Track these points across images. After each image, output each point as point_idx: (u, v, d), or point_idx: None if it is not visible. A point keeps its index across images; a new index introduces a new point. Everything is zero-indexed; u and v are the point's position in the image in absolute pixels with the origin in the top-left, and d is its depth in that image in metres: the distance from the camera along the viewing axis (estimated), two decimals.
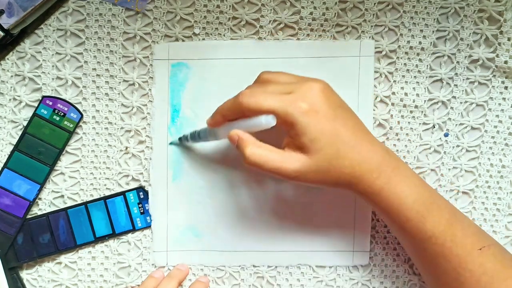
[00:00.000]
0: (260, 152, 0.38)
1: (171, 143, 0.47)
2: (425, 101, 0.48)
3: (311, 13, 0.47)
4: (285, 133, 0.40)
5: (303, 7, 0.47)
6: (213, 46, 0.47)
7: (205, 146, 0.47)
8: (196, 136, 0.45)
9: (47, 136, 0.47)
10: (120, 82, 0.47)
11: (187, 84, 0.47)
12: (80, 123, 0.48)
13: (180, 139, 0.47)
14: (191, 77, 0.47)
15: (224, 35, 0.47)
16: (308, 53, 0.47)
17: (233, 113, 0.40)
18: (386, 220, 0.42)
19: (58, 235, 0.48)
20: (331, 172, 0.39)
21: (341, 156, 0.38)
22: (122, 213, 0.48)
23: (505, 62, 0.47)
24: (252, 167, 0.39)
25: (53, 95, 0.47)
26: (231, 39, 0.47)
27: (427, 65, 0.47)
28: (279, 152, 0.39)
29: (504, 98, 0.48)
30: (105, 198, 0.48)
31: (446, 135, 0.48)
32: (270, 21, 0.47)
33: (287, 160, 0.38)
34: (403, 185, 0.40)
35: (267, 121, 0.37)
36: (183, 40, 0.47)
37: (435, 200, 0.41)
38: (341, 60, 0.47)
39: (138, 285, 0.49)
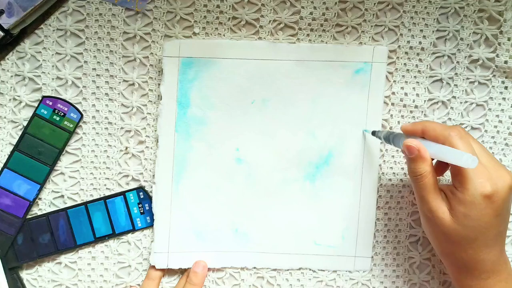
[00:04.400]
0: (429, 180, 0.39)
1: (364, 130, 0.47)
2: (425, 101, 0.48)
3: (311, 13, 0.47)
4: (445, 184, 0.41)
5: (303, 7, 0.47)
6: (224, 45, 0.46)
7: (206, 148, 0.47)
8: (391, 138, 0.43)
9: (47, 136, 0.47)
10: (120, 82, 0.47)
11: (197, 82, 0.47)
12: (80, 123, 0.48)
13: (373, 132, 0.46)
14: (201, 75, 0.46)
15: (224, 35, 0.47)
16: (321, 57, 0.46)
17: (434, 136, 0.40)
18: None
19: (58, 235, 0.48)
20: (453, 246, 0.39)
21: (472, 245, 0.39)
22: (122, 213, 0.48)
23: (505, 62, 0.47)
24: (412, 181, 0.40)
25: (53, 95, 0.47)
26: (231, 38, 0.47)
27: (427, 65, 0.47)
28: (437, 193, 0.39)
29: (504, 98, 0.48)
30: (105, 198, 0.48)
31: None
32: (270, 21, 0.47)
33: (438, 204, 0.39)
34: None
35: (472, 161, 0.36)
36: None
37: None
38: (353, 65, 0.47)
39: (139, 285, 0.49)
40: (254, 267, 0.49)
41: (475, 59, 0.47)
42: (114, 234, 0.48)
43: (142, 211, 0.48)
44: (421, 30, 0.47)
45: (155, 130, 0.48)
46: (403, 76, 0.47)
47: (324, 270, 0.49)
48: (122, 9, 0.47)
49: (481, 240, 0.38)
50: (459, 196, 0.38)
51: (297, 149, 0.48)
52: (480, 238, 0.38)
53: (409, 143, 0.39)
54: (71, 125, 0.47)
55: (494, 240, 0.39)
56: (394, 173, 0.48)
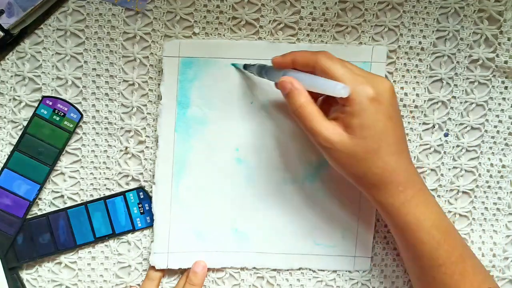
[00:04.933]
0: (310, 109, 0.39)
1: (233, 64, 0.46)
2: (425, 101, 0.48)
3: (311, 13, 0.47)
4: (336, 108, 0.41)
5: (303, 7, 0.47)
6: (224, 45, 0.46)
7: (206, 148, 0.47)
8: (263, 71, 0.43)
9: (47, 136, 0.47)
10: (120, 82, 0.47)
11: (197, 82, 0.47)
12: (80, 123, 0.48)
13: (245, 66, 0.46)
14: (201, 75, 0.46)
15: (224, 35, 0.47)
16: None
17: (304, 63, 0.40)
18: (399, 238, 0.42)
19: (58, 235, 0.48)
20: (362, 164, 0.39)
21: (379, 155, 0.38)
22: (122, 213, 0.48)
23: (505, 62, 0.47)
24: (296, 118, 0.40)
25: (53, 95, 0.47)
26: (231, 38, 0.47)
27: (427, 65, 0.47)
28: (326, 120, 0.39)
29: (504, 98, 0.48)
30: (105, 198, 0.48)
31: (446, 135, 0.48)
32: (270, 21, 0.47)
33: (330, 129, 0.39)
34: (424, 207, 0.40)
35: (344, 90, 0.37)
36: None
37: (451, 230, 0.41)
38: None
39: (139, 285, 0.49)
40: (254, 267, 0.49)
41: (475, 59, 0.47)
42: (114, 234, 0.48)
43: (142, 211, 0.48)
44: (421, 30, 0.47)
45: (155, 130, 0.48)
46: (403, 76, 0.47)
47: (324, 270, 0.49)
48: (122, 9, 0.47)
49: (384, 147, 0.38)
50: (348, 110, 0.38)
51: (297, 149, 0.48)
52: (383, 145, 0.38)
53: (282, 79, 0.39)
54: (71, 125, 0.47)
55: (396, 146, 0.39)
56: None
